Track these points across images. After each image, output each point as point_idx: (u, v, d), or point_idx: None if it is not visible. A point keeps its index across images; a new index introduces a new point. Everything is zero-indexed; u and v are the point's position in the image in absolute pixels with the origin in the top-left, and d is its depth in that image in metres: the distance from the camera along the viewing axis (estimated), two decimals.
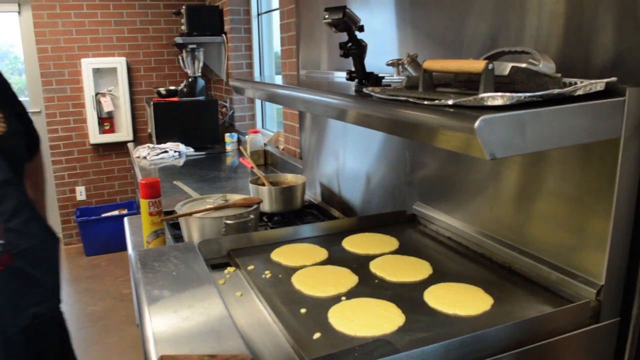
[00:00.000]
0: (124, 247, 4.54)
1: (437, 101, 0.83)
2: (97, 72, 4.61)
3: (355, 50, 1.21)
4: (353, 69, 1.24)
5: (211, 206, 1.71)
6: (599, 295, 0.95)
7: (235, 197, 1.79)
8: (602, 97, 0.82)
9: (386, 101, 0.97)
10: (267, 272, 1.23)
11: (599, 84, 0.83)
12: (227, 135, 3.68)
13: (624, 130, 0.85)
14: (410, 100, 0.91)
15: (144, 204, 1.64)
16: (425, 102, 0.86)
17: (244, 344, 0.85)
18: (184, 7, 4.00)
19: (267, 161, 3.16)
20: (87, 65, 4.56)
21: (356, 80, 1.24)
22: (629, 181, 0.91)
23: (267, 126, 4.04)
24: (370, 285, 1.17)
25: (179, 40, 4.09)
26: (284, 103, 1.63)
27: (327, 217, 2.14)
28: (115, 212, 4.70)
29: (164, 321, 0.94)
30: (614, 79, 0.84)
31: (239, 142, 3.71)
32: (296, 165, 2.68)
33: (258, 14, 3.90)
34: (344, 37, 1.19)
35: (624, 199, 0.91)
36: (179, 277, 1.11)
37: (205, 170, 3.15)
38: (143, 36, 4.71)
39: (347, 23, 1.16)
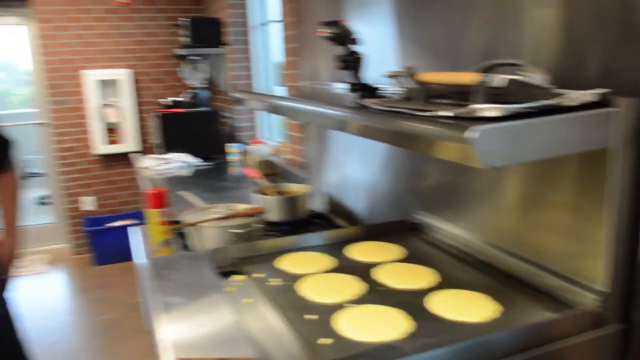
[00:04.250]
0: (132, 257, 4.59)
1: (432, 112, 0.87)
2: (102, 83, 4.67)
3: (350, 62, 1.25)
4: (350, 80, 1.28)
5: (217, 215, 1.75)
6: (602, 301, 0.98)
7: (240, 207, 1.83)
8: (595, 108, 0.85)
9: (384, 112, 1.01)
10: (274, 279, 1.27)
11: (590, 95, 0.86)
12: (230, 145, 3.71)
13: (615, 139, 0.88)
14: (407, 111, 0.94)
15: (152, 213, 1.68)
16: (421, 114, 0.89)
17: (254, 349, 0.88)
18: (184, 19, 4.06)
19: (271, 171, 3.19)
20: (92, 77, 4.62)
21: (355, 91, 1.28)
22: (624, 188, 0.93)
23: (270, 137, 4.08)
24: (376, 292, 1.20)
25: (180, 52, 4.15)
26: (286, 115, 1.67)
27: (333, 226, 2.16)
28: (123, 222, 4.74)
29: (177, 326, 0.98)
30: (605, 90, 0.87)
31: (244, 152, 3.75)
32: (300, 175, 2.71)
33: (258, 25, 3.95)
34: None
35: (621, 205, 0.94)
36: (190, 284, 1.15)
37: (211, 180, 3.19)
38: (146, 48, 4.77)
39: (342, 36, 1.20)
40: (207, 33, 4.03)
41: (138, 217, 4.80)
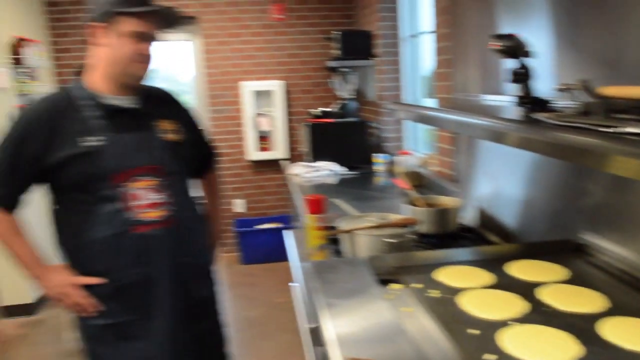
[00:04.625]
0: (277, 259, 4.84)
1: (617, 129, 0.83)
2: (257, 94, 4.98)
3: (523, 76, 1.23)
4: (519, 93, 1.25)
5: (371, 224, 1.79)
6: None
7: (393, 217, 1.86)
8: None
9: (562, 127, 0.98)
10: (433, 291, 1.28)
11: None
12: (376, 155, 3.77)
13: None
14: (588, 127, 0.91)
15: (310, 219, 1.76)
16: (605, 130, 0.85)
17: (417, 356, 0.89)
18: (336, 32, 4.20)
19: (418, 182, 3.19)
20: (248, 87, 4.95)
21: (524, 105, 1.25)
22: None
23: (416, 148, 4.08)
24: (540, 313, 1.16)
25: (331, 64, 4.29)
26: (442, 126, 1.67)
27: (483, 241, 2.11)
28: (270, 225, 5.01)
29: (342, 326, 1.03)
30: None
31: (390, 162, 3.78)
32: (448, 187, 2.68)
33: (408, 37, 3.97)
34: (499, 60, 1.21)
35: None
36: (352, 288, 1.19)
37: (358, 190, 3.26)
38: (299, 60, 5.01)
39: (515, 49, 1.18)
40: (358, 45, 4.14)
41: (284, 221, 5.03)
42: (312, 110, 4.40)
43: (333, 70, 4.52)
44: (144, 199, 1.66)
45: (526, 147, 1.06)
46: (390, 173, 3.66)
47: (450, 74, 2.54)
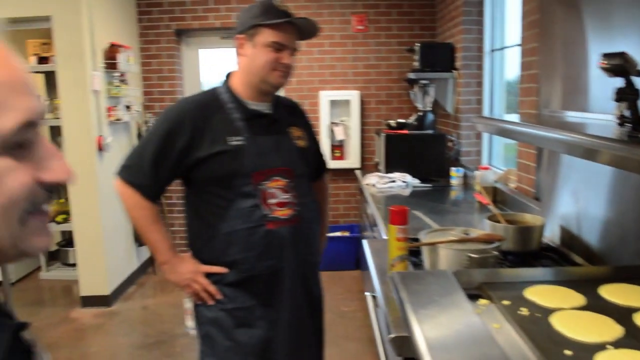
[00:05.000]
0: (345, 267, 4.86)
1: None
2: (333, 103, 5.04)
3: (630, 95, 1.19)
4: (621, 112, 1.22)
5: (454, 238, 1.78)
6: None
7: (477, 232, 1.84)
8: None
9: None
10: (523, 309, 1.26)
11: None
12: (453, 169, 3.73)
13: None
14: None
15: (392, 229, 1.77)
16: None
17: None
18: (417, 44, 4.20)
19: (497, 198, 3.13)
20: (325, 97, 5.02)
21: (626, 124, 1.22)
22: None
23: (493, 163, 4.01)
24: (638, 339, 1.12)
25: (411, 75, 4.29)
26: (537, 143, 1.64)
27: (566, 261, 2.05)
28: (338, 234, 5.03)
29: (433, 335, 1.03)
30: None
31: (465, 176, 3.73)
32: (528, 204, 2.62)
33: (491, 51, 3.92)
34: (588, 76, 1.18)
35: None
36: (440, 299, 1.20)
37: (432, 202, 3.23)
38: (376, 71, 5.04)
39: (626, 68, 1.15)
40: (438, 58, 4.12)
41: (353, 229, 5.05)
42: (389, 121, 4.41)
43: (412, 82, 4.51)
44: (277, 197, 1.81)
45: (629, 167, 1.04)
46: (465, 187, 3.62)
47: (535, 89, 2.49)
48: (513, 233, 2.07)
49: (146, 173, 1.79)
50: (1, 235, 0.57)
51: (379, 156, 4.23)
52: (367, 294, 2.15)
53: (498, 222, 2.15)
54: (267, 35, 1.75)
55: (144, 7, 4.99)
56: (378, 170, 4.08)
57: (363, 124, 5.12)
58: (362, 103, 5.09)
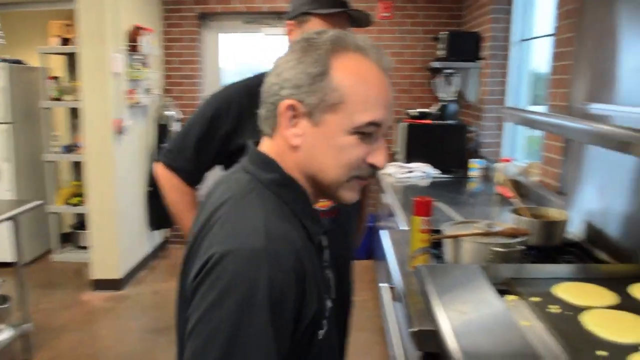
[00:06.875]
0: (356, 256, 4.79)
1: None
2: None
3: None
4: None
5: (479, 230, 1.74)
6: None
7: (503, 226, 1.79)
8: None
9: None
10: (553, 306, 1.22)
11: None
12: (473, 161, 3.67)
13: None
14: None
15: (416, 220, 1.73)
16: None
17: None
18: (443, 33, 4.12)
19: (518, 192, 3.07)
20: None
21: None
22: None
23: (513, 155, 3.94)
24: None
25: (435, 64, 4.22)
26: (569, 135, 1.59)
27: (591, 258, 2.00)
28: None
29: (462, 331, 1.00)
30: None
31: (486, 168, 3.67)
32: (551, 198, 2.57)
33: (519, 40, 3.83)
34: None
35: None
36: (468, 293, 1.16)
37: (452, 194, 3.18)
38: (399, 59, 4.94)
39: None
40: (464, 47, 4.04)
41: (370, 220, 5.00)
42: (410, 110, 4.34)
43: (436, 71, 4.44)
44: None
45: None
46: (486, 179, 3.56)
47: (568, 80, 2.43)
48: (537, 227, 2.02)
49: (188, 157, 1.74)
50: (337, 180, 0.90)
51: (399, 145, 4.17)
52: (382, 284, 2.11)
53: (522, 215, 2.10)
54: (317, 24, 1.65)
55: None
56: (395, 160, 4.02)
57: None
58: None
